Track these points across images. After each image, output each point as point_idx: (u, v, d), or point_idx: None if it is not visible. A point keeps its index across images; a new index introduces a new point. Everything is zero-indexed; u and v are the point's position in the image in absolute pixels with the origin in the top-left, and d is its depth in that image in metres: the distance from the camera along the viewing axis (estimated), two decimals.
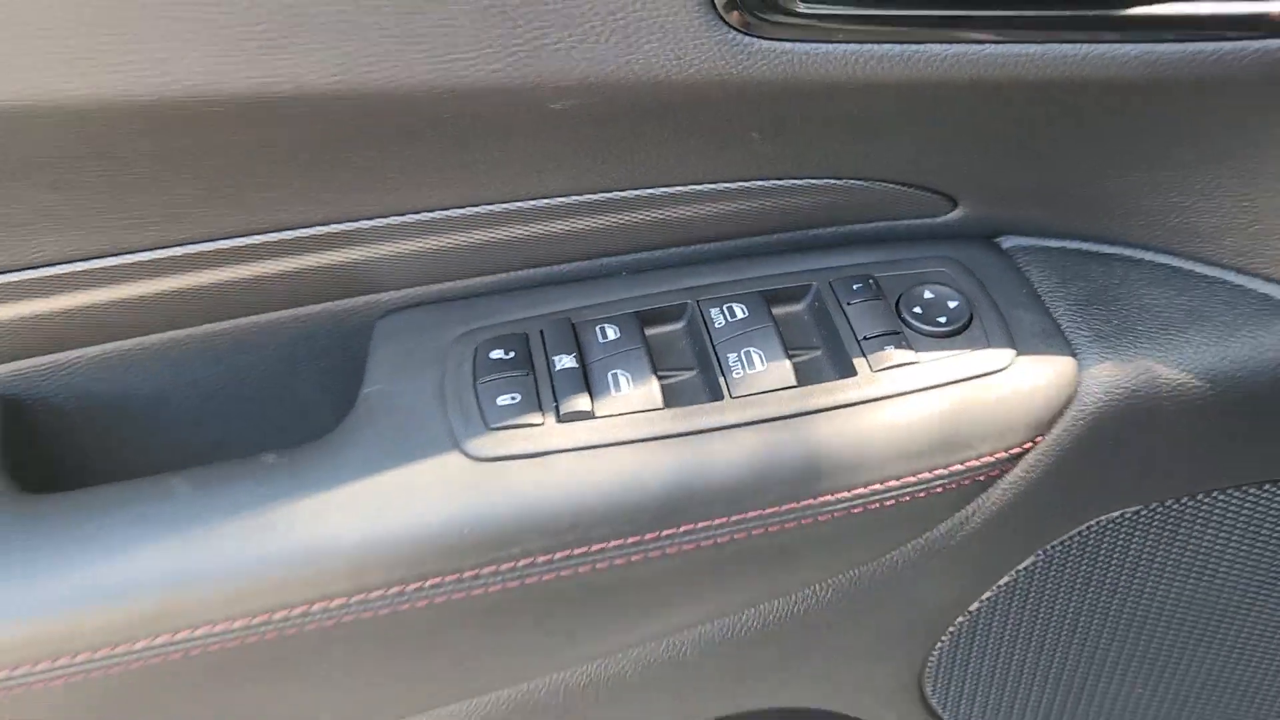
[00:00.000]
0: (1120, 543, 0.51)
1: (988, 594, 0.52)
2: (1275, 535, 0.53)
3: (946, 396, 0.44)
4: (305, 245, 0.45)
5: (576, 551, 0.42)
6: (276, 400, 0.50)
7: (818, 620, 0.50)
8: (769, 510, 0.43)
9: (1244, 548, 0.53)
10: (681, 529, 0.43)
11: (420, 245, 0.46)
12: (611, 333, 0.45)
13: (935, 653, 0.54)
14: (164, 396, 0.48)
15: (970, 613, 0.52)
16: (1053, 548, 0.50)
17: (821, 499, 0.43)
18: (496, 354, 0.45)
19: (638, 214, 0.46)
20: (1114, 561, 0.52)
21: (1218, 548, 0.53)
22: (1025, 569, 0.51)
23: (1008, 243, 0.51)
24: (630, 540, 0.43)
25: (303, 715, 0.46)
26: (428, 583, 0.42)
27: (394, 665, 0.45)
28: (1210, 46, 0.39)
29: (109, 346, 0.47)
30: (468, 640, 0.45)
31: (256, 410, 0.50)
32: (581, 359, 0.44)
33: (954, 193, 0.48)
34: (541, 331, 0.46)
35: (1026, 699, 0.59)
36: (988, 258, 0.49)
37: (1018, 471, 0.46)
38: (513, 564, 0.42)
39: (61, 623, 0.40)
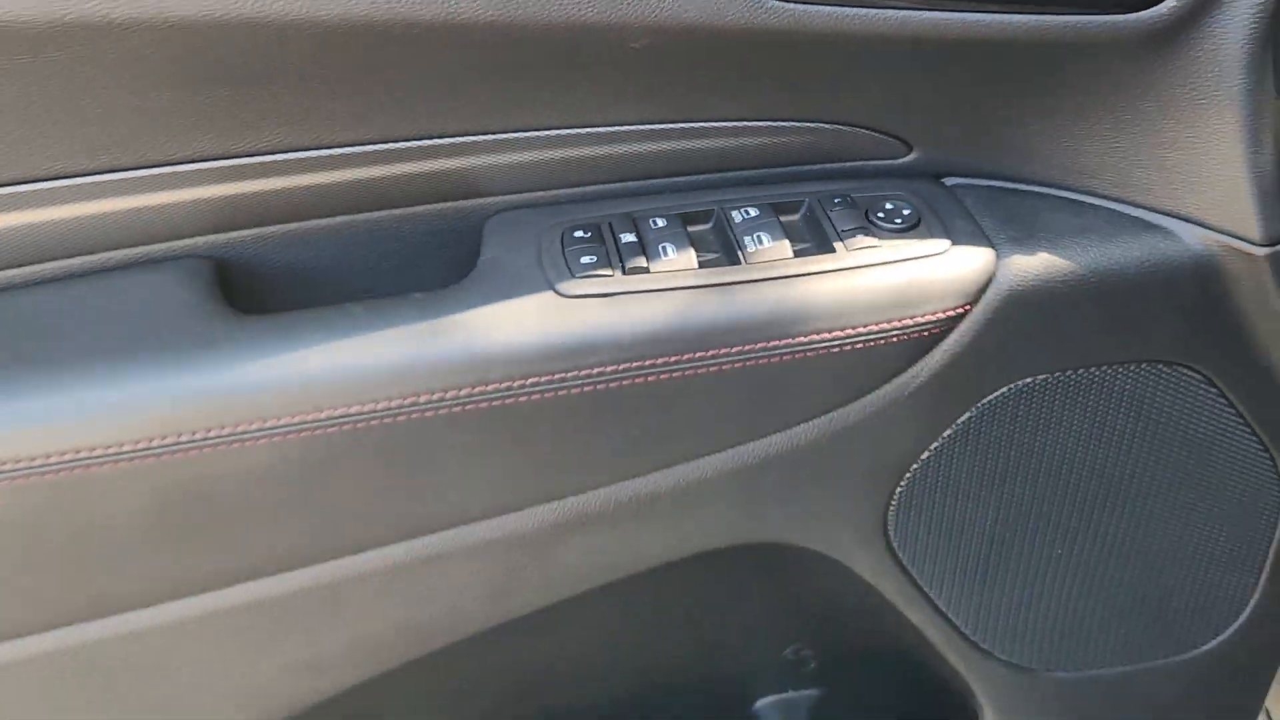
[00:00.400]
0: (1035, 406, 0.68)
1: (935, 444, 0.68)
2: (1153, 410, 0.70)
3: (901, 270, 0.62)
4: (442, 151, 0.62)
5: (634, 365, 0.59)
6: (414, 279, 0.67)
7: (801, 459, 0.66)
8: (772, 343, 0.60)
9: (1129, 420, 0.70)
10: (709, 353, 0.60)
11: (523, 158, 0.64)
12: (661, 223, 0.63)
13: (895, 499, 0.70)
14: (334, 269, 0.66)
15: (922, 461, 0.69)
16: (984, 405, 0.67)
17: (810, 337, 0.61)
18: (579, 234, 0.63)
19: (677, 143, 0.65)
20: (1030, 423, 0.69)
21: (1109, 418, 0.69)
22: (963, 423, 0.67)
23: (950, 181, 0.69)
24: (673, 359, 0.60)
25: (430, 493, 0.62)
26: (528, 381, 0.59)
27: (492, 457, 0.62)
28: (1072, 19, 0.57)
29: (295, 225, 0.64)
30: (549, 439, 0.62)
31: (397, 285, 0.67)
32: (640, 237, 0.62)
33: (908, 138, 0.66)
34: (610, 222, 0.64)
35: (968, 549, 0.74)
36: (934, 190, 0.67)
37: (955, 336, 0.63)
38: (589, 371, 0.59)
39: (271, 395, 0.57)
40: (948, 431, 0.68)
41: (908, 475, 0.69)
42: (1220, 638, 0.83)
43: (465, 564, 0.67)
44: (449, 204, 0.66)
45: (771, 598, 0.83)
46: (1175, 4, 0.57)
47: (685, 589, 0.79)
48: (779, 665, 0.89)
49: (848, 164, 0.68)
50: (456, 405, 0.59)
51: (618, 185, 0.66)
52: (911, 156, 0.67)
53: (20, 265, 0.62)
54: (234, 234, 0.64)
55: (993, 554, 0.75)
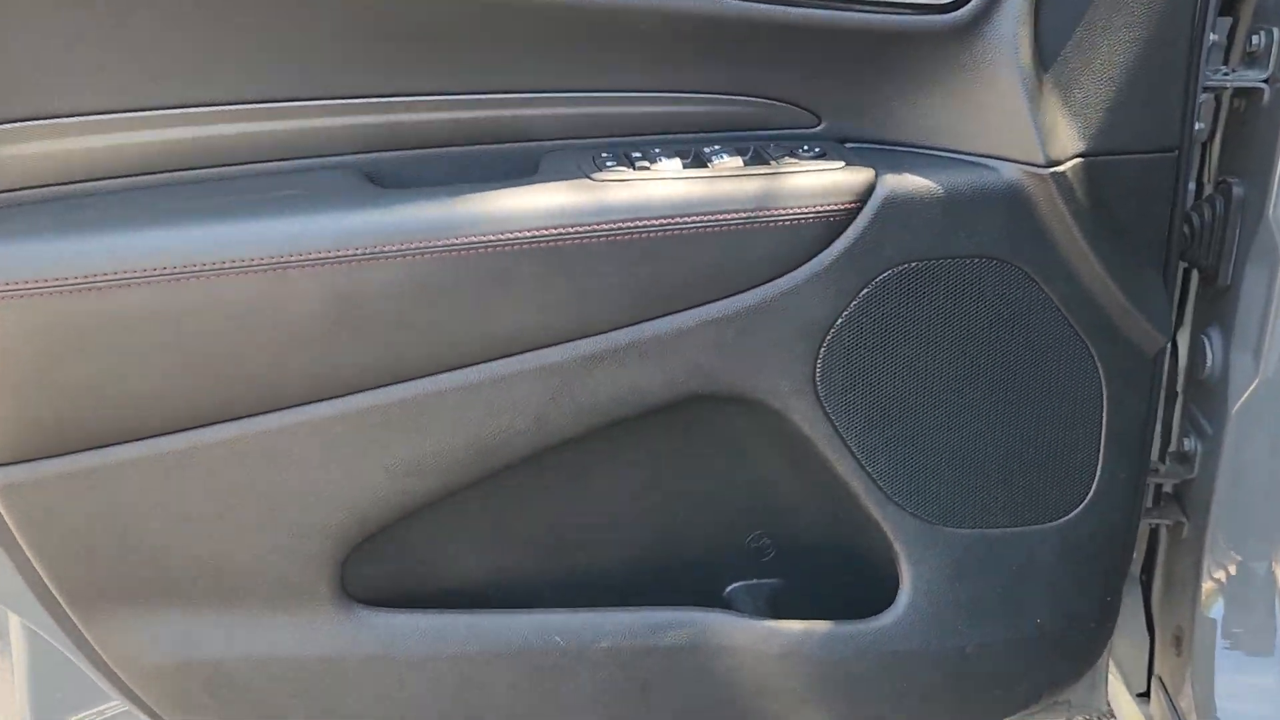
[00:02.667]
0: (911, 287, 0.99)
1: (846, 312, 0.98)
2: (992, 297, 1.00)
3: (815, 175, 0.95)
4: (511, 104, 0.96)
5: (641, 221, 0.91)
6: None
7: (752, 316, 0.97)
8: (733, 214, 0.93)
9: (976, 305, 1.00)
10: (691, 217, 0.92)
11: (565, 111, 0.98)
12: (658, 150, 0.97)
13: (820, 357, 0.99)
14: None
15: (837, 327, 0.99)
16: (877, 283, 0.98)
17: (758, 212, 0.93)
18: (604, 154, 0.96)
19: (659, 108, 0.99)
20: (910, 300, 0.99)
21: (962, 301, 1.00)
22: (864, 296, 0.98)
23: (849, 145, 1.03)
24: (666, 219, 0.91)
25: (501, 319, 0.93)
26: (572, 228, 0.90)
27: (545, 289, 0.92)
28: (909, 18, 0.93)
29: (417, 152, 0.97)
30: (585, 275, 0.93)
31: None
32: (644, 154, 0.96)
33: (817, 110, 1.01)
34: (622, 149, 0.97)
35: (875, 405, 1.02)
36: (836, 144, 1.02)
37: (853, 228, 0.96)
38: (610, 224, 0.91)
39: (407, 226, 0.88)
40: (854, 303, 0.98)
41: (828, 338, 0.99)
42: (1080, 507, 1.09)
43: (519, 386, 0.95)
44: (518, 145, 0.99)
45: (734, 479, 1.09)
46: (973, 6, 0.93)
47: (671, 454, 1.06)
48: (744, 552, 1.14)
49: (774, 131, 1.02)
50: (524, 244, 0.90)
51: (619, 139, 1.00)
52: (821, 126, 1.02)
53: (225, 164, 0.94)
54: (375, 154, 0.96)
55: (894, 411, 1.03)
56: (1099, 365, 1.05)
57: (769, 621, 1.08)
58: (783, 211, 0.94)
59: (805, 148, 0.99)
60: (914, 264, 0.99)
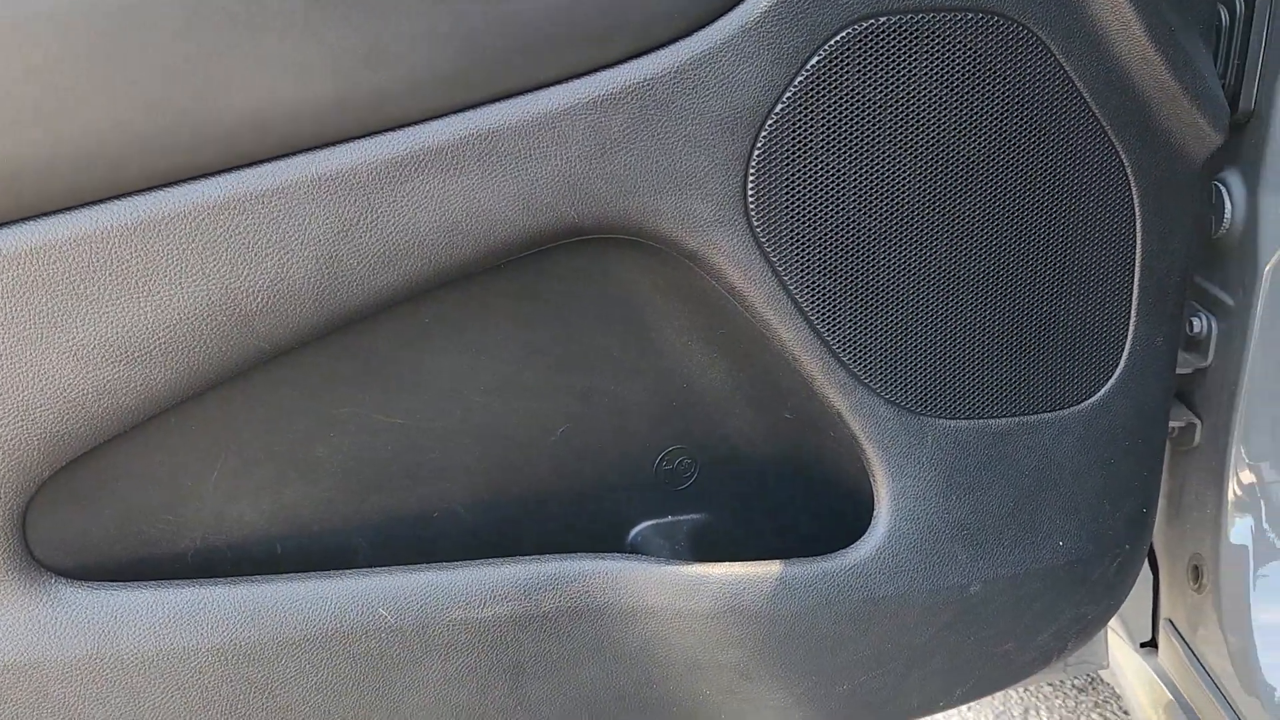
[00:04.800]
0: (879, 55, 0.67)
1: (788, 93, 0.66)
2: (989, 69, 0.69)
3: None
4: None
5: None
6: None
7: (649, 97, 0.64)
8: None
9: (969, 80, 0.69)
10: None
11: None
12: None
13: (753, 162, 0.67)
14: None
15: (776, 115, 0.67)
16: (831, 48, 0.66)
17: None
18: None
19: None
20: (878, 76, 0.68)
21: (950, 74, 0.69)
22: (814, 69, 0.66)
23: None
24: None
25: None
26: None
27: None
28: None
29: None
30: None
31: None
32: None
33: None
34: None
35: (834, 241, 0.71)
36: None
37: None
38: None
39: None
40: (799, 78, 0.66)
41: (763, 133, 0.67)
42: (1109, 383, 0.80)
43: (290, 210, 0.60)
44: None
45: (633, 368, 0.76)
46: None
47: (535, 330, 0.73)
48: (654, 477, 0.81)
49: None
50: None
51: None
52: None
53: None
54: None
55: (860, 249, 0.72)
56: (1132, 178, 0.75)
57: (694, 566, 0.75)
58: None
59: None
60: (884, 18, 0.67)
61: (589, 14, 0.62)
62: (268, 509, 0.71)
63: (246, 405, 0.68)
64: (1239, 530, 1.04)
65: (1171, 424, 1.01)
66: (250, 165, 0.59)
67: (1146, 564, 1.12)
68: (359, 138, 0.60)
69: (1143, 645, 1.17)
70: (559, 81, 0.63)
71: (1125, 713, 1.47)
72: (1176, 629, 1.12)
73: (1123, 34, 0.71)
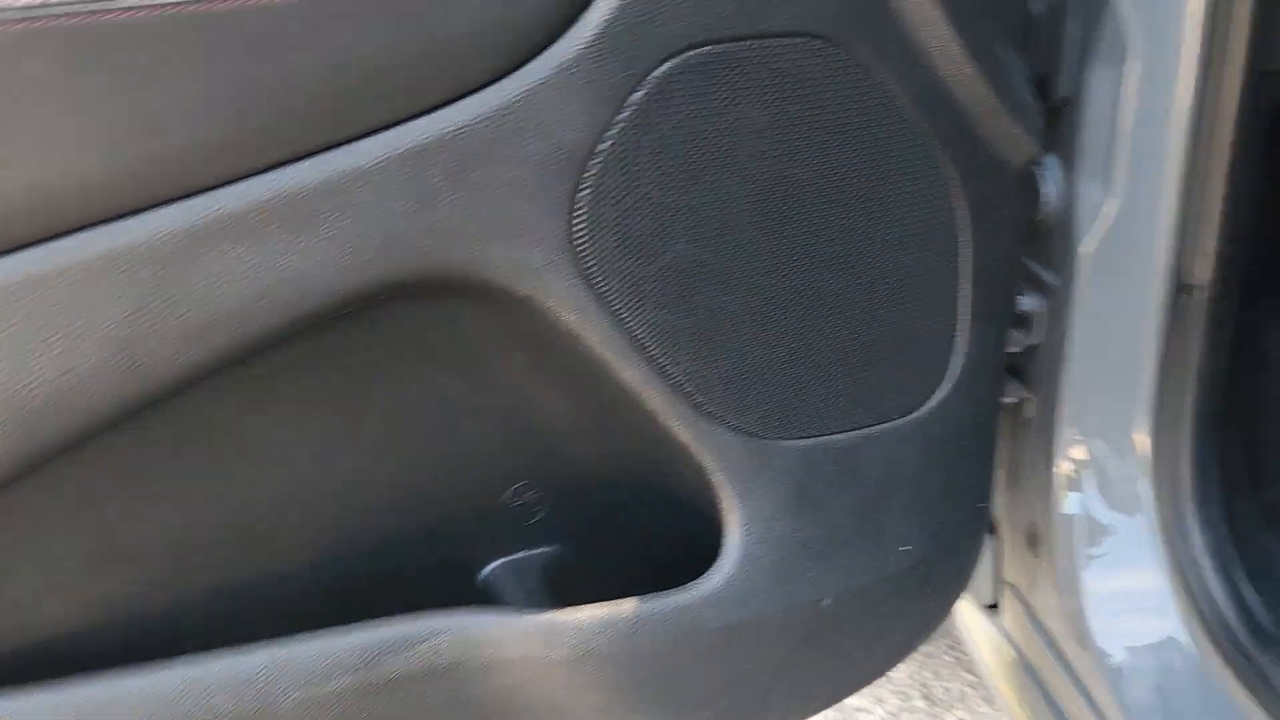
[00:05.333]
0: (708, 87, 0.65)
1: (612, 130, 0.63)
2: (813, 94, 0.68)
3: None
4: None
5: None
6: None
7: (468, 143, 0.60)
8: None
9: (796, 107, 0.68)
10: None
11: None
12: None
13: (579, 203, 0.64)
14: None
15: (601, 154, 0.64)
16: (656, 80, 0.63)
17: None
18: None
19: None
20: (707, 108, 0.66)
21: (779, 103, 0.68)
22: (638, 103, 0.63)
23: None
24: None
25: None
26: None
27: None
28: None
29: None
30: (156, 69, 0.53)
31: None
32: None
33: None
34: None
35: (669, 274, 0.69)
36: None
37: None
38: None
39: None
40: (624, 114, 0.64)
41: (589, 172, 0.64)
42: (945, 388, 0.81)
43: (70, 295, 0.54)
44: None
45: (475, 412, 0.73)
46: None
47: (369, 385, 0.69)
48: (503, 515, 0.79)
49: None
50: (30, 23, 0.49)
51: None
52: None
53: None
54: None
55: (696, 280, 0.70)
56: (959, 190, 0.76)
57: (547, 614, 0.74)
58: None
59: None
60: (706, 49, 0.65)
61: (396, 60, 0.58)
62: (82, 603, 0.65)
63: (47, 498, 0.62)
64: (1069, 501, 1.08)
65: (1006, 399, 1.05)
66: (21, 249, 0.53)
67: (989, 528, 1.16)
68: (144, 210, 0.55)
69: (988, 607, 1.22)
70: (369, 134, 0.59)
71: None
72: (1017, 592, 1.17)
73: (942, 53, 0.71)
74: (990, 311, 0.81)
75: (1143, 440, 0.98)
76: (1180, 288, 0.92)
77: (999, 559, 1.19)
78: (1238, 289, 0.92)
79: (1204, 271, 0.90)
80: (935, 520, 0.84)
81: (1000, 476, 1.12)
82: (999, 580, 1.20)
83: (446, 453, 0.74)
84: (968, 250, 0.78)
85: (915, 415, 0.81)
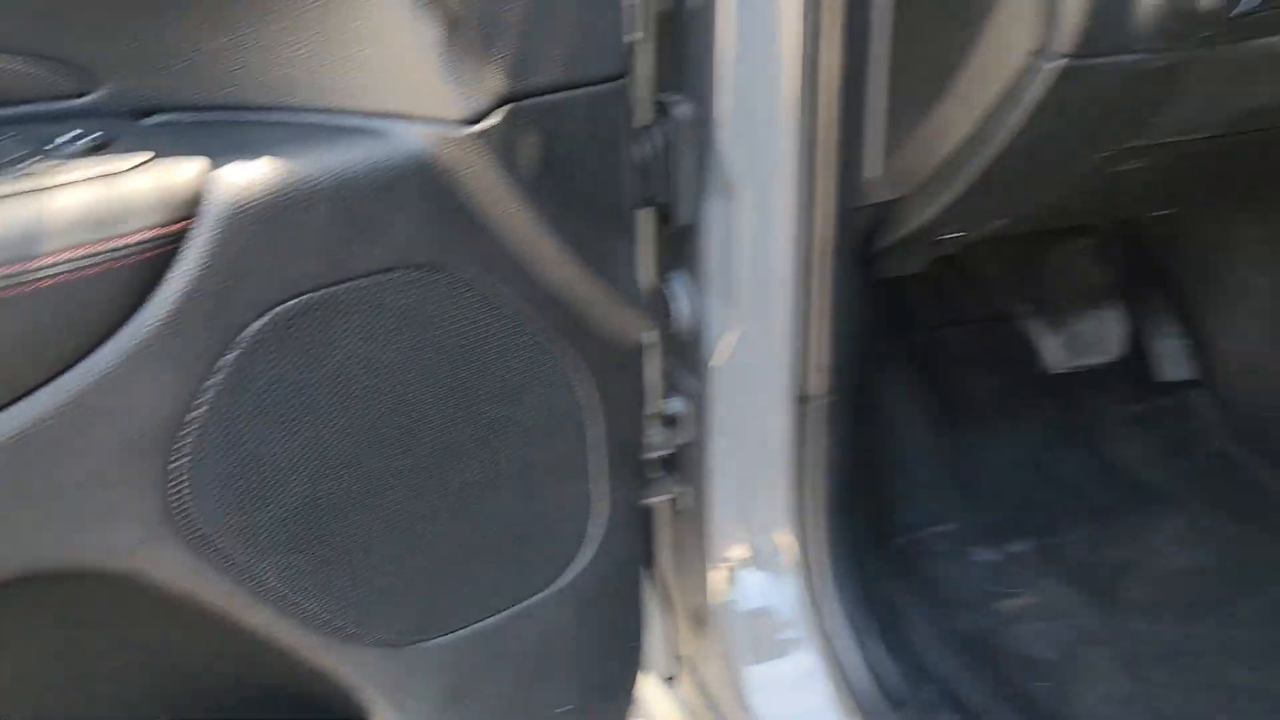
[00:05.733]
0: (308, 333, 0.64)
1: (205, 398, 0.60)
2: (424, 321, 0.68)
3: (89, 188, 0.54)
4: None
5: None
6: None
7: (40, 439, 0.55)
8: None
9: (407, 336, 0.68)
10: None
11: None
12: None
13: (178, 475, 0.61)
14: None
15: (195, 422, 0.61)
16: (249, 340, 0.61)
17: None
18: None
19: None
20: (309, 354, 0.64)
21: (388, 337, 0.67)
22: (231, 365, 0.61)
23: (151, 120, 0.63)
24: None
25: None
26: None
27: None
28: None
29: None
30: None
31: None
32: None
33: (91, 65, 0.59)
34: None
35: (289, 521, 0.67)
36: (128, 124, 0.61)
37: (186, 262, 0.57)
38: None
39: None
40: (216, 379, 0.61)
41: (185, 444, 0.61)
42: (593, 546, 0.84)
43: None
44: None
45: (121, 661, 0.68)
46: None
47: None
48: None
49: (17, 109, 0.59)
50: None
51: None
52: (98, 94, 0.61)
53: None
54: None
55: (320, 516, 0.68)
56: (583, 374, 0.78)
57: None
58: (40, 266, 0.53)
59: (70, 134, 0.57)
60: (297, 299, 0.63)
61: None
62: None
63: None
64: (726, 589, 1.16)
65: (664, 496, 1.10)
66: None
67: (664, 608, 1.23)
68: None
69: (667, 679, 1.29)
70: None
71: None
72: (691, 665, 1.24)
73: (546, 261, 0.72)
74: (623, 473, 0.85)
75: (784, 537, 1.06)
76: (801, 398, 1.01)
77: (673, 636, 1.26)
78: (850, 396, 1.01)
79: (820, 384, 0.99)
80: (593, 672, 0.87)
81: (669, 562, 1.19)
82: (674, 656, 1.27)
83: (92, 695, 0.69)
84: (598, 425, 0.80)
85: (560, 583, 0.83)
